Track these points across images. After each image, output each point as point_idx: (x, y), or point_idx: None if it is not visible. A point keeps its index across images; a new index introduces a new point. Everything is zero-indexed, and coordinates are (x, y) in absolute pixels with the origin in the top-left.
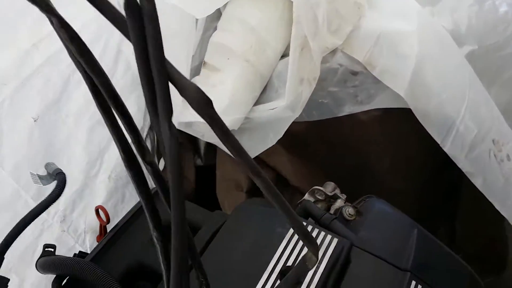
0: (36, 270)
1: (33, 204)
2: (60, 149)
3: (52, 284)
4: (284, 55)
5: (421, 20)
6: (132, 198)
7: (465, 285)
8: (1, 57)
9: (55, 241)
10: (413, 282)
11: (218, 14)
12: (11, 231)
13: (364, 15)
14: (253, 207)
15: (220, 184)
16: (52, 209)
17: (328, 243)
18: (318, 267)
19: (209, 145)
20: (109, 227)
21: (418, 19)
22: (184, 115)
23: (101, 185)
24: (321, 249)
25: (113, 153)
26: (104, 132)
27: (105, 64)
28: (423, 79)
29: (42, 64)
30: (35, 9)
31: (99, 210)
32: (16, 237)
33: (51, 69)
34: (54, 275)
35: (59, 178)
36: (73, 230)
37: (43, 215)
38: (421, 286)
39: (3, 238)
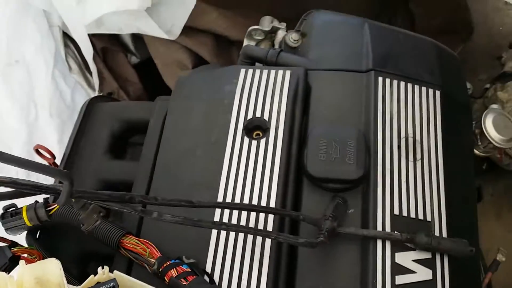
0: None
1: None
2: None
3: (26, 239)
4: None
5: None
6: None
7: (437, 63)
8: None
9: None
10: (380, 79)
11: None
12: None
13: None
14: (193, 76)
15: (164, 70)
16: None
17: (281, 80)
18: (280, 107)
19: (136, 38)
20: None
21: None
22: (89, 13)
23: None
24: (277, 85)
25: None
26: None
27: None
28: None
29: None
30: None
31: (39, 150)
32: None
33: None
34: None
35: None
36: None
37: None
38: (389, 79)
39: None
